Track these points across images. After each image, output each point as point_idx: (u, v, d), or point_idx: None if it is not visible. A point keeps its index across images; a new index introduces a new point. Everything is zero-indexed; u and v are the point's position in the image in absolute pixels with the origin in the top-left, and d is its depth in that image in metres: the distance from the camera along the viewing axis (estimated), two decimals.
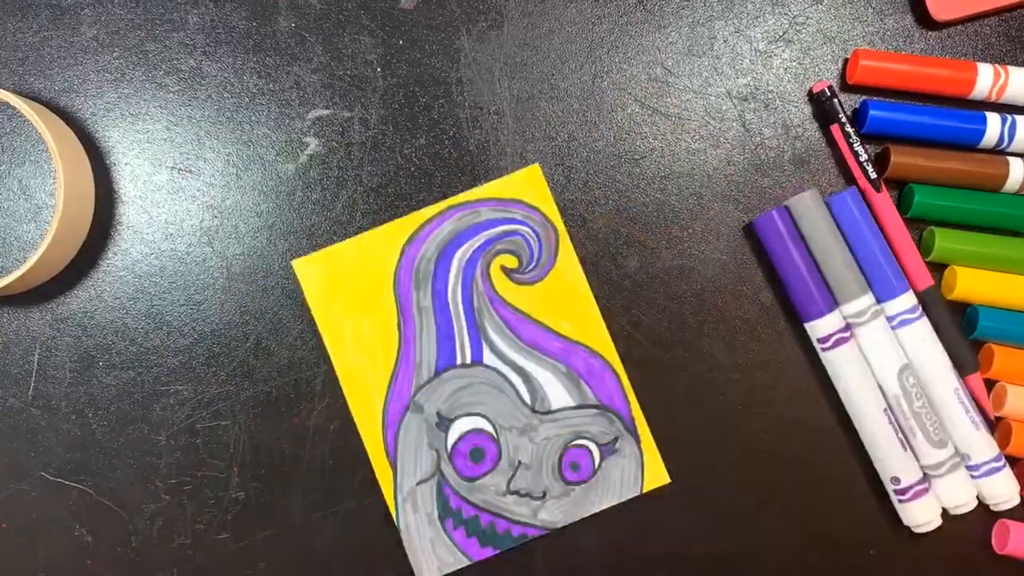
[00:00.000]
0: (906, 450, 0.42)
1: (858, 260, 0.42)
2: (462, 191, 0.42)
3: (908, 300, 0.42)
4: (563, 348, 0.42)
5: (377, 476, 0.41)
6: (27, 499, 0.41)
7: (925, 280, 0.43)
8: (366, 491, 0.42)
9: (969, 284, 0.42)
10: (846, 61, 0.44)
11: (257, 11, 0.42)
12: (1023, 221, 0.43)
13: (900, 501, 0.42)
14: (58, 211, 0.38)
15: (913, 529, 0.42)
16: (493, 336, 0.41)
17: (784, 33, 0.44)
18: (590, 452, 0.42)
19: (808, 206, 0.41)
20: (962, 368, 0.42)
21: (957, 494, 0.42)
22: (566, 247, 0.42)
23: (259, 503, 0.41)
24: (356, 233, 0.42)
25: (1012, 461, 0.43)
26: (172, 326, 0.41)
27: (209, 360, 0.41)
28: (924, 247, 0.43)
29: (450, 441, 0.41)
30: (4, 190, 0.41)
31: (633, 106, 0.43)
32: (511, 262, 0.42)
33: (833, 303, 0.42)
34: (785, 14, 0.44)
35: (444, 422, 0.41)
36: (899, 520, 0.43)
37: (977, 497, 0.42)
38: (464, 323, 0.41)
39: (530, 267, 0.42)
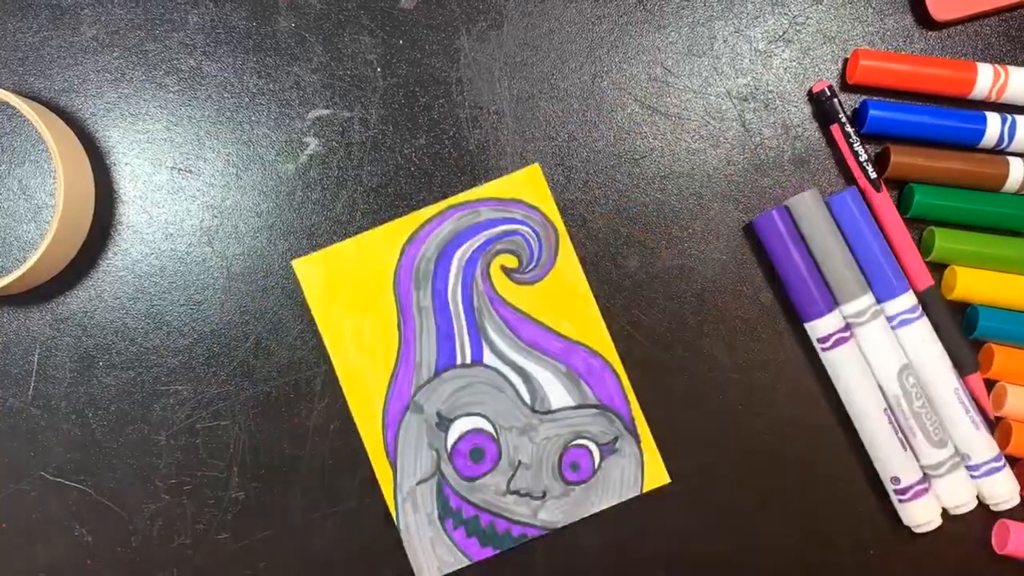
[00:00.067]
0: (906, 450, 0.42)
1: (858, 260, 0.42)
2: (462, 191, 0.42)
3: (908, 300, 0.42)
4: (563, 348, 0.42)
5: (377, 476, 0.41)
6: (27, 499, 0.41)
7: (925, 280, 0.43)
8: (366, 491, 0.42)
9: (969, 284, 0.42)
10: (846, 61, 0.44)
11: (257, 11, 0.42)
12: (1023, 221, 0.43)
13: (900, 501, 0.42)
14: (58, 211, 0.38)
15: (913, 529, 0.42)
16: (493, 336, 0.41)
17: (784, 33, 0.44)
18: (590, 452, 0.42)
19: (808, 206, 0.41)
20: (962, 368, 0.42)
21: (957, 494, 0.42)
22: (566, 247, 0.42)
23: (259, 503, 0.41)
24: (356, 233, 0.42)
25: (1012, 461, 0.43)
26: (172, 326, 0.41)
27: (209, 360, 0.41)
28: (924, 247, 0.43)
29: (450, 441, 0.41)
30: (4, 190, 0.41)
31: (633, 106, 0.43)
32: (511, 262, 0.42)
33: (833, 303, 0.42)
34: (785, 14, 0.44)
35: (444, 422, 0.41)
36: (899, 520, 0.43)
37: (977, 497, 0.42)
38: (464, 323, 0.41)
39: (530, 267, 0.42)
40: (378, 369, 0.41)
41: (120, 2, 0.41)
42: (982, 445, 0.42)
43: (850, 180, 0.44)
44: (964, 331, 0.43)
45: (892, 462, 0.42)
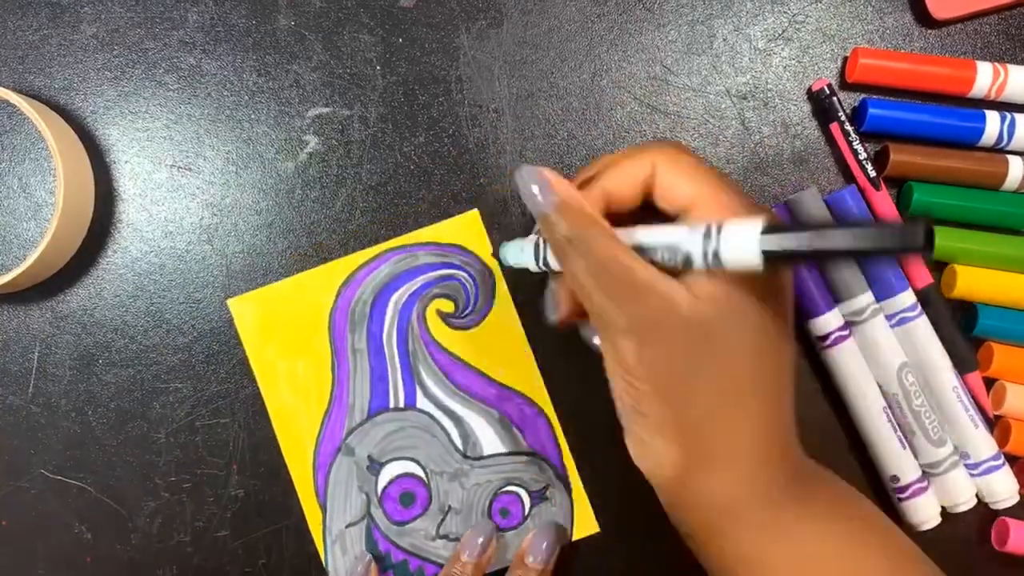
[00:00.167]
0: (905, 448, 0.42)
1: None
2: (461, 189, 0.42)
3: (907, 298, 0.42)
4: (497, 394, 0.42)
5: (307, 517, 0.41)
6: (27, 496, 0.41)
7: (924, 278, 0.43)
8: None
9: (968, 282, 0.42)
10: (845, 59, 0.44)
11: (257, 9, 0.42)
12: (1022, 219, 0.43)
13: (899, 499, 0.42)
14: (58, 209, 0.38)
15: (912, 527, 0.42)
16: (427, 380, 0.41)
17: (783, 31, 0.44)
18: (520, 499, 0.42)
19: (807, 204, 0.41)
20: (961, 366, 0.42)
21: (956, 492, 0.42)
22: (503, 293, 0.42)
23: (258, 501, 0.41)
24: (356, 232, 0.42)
25: (1011, 459, 0.43)
26: (172, 324, 0.41)
27: (209, 358, 0.41)
28: None
29: (381, 484, 0.41)
30: (4, 188, 0.41)
31: (632, 104, 0.43)
32: (447, 306, 0.42)
33: (833, 301, 0.42)
34: (784, 12, 0.44)
35: (375, 465, 0.41)
36: (898, 518, 0.43)
37: (976, 495, 0.42)
38: (398, 366, 0.41)
39: (466, 312, 0.42)
40: (311, 410, 0.41)
41: (120, 0, 0.42)
42: (981, 443, 0.42)
43: (849, 178, 0.44)
44: (963, 329, 0.43)
45: (891, 460, 0.42)
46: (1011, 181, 0.42)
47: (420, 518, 0.41)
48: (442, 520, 0.41)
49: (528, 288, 0.42)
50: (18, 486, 0.41)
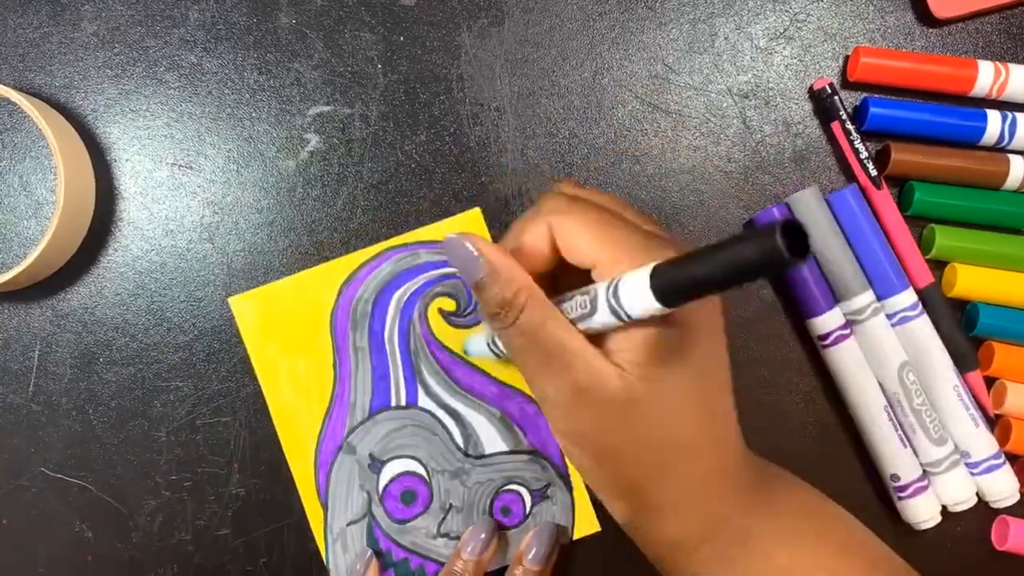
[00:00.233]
0: (906, 447, 0.42)
1: (858, 257, 0.42)
2: (462, 187, 0.42)
3: (908, 297, 0.42)
4: (498, 393, 0.42)
5: (308, 516, 0.41)
6: (27, 495, 0.41)
7: (925, 277, 0.43)
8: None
9: (969, 281, 0.42)
10: (847, 58, 0.44)
11: (258, 7, 0.42)
12: (1023, 219, 0.43)
13: (900, 498, 0.42)
14: (59, 207, 0.37)
15: (913, 526, 0.42)
16: (429, 379, 0.41)
17: (785, 30, 0.44)
18: (521, 497, 0.42)
19: (808, 203, 0.41)
20: (962, 365, 0.43)
21: (957, 491, 0.42)
22: None
23: (259, 499, 0.41)
24: (357, 230, 0.42)
25: (1012, 458, 0.43)
26: (172, 322, 0.41)
27: (209, 356, 0.41)
28: (924, 244, 0.43)
29: (382, 483, 0.41)
30: (5, 186, 0.41)
31: (634, 103, 0.43)
32: (449, 305, 0.41)
33: (833, 300, 0.42)
34: (786, 11, 0.44)
35: (376, 464, 0.41)
36: (899, 517, 0.43)
37: (977, 494, 0.42)
38: (400, 365, 0.41)
39: (468, 310, 0.42)
40: (312, 409, 0.41)
41: None
42: (982, 442, 0.42)
43: (850, 177, 0.44)
44: (964, 328, 0.43)
45: (892, 459, 0.42)
46: (1012, 180, 0.42)
47: (421, 516, 0.41)
48: (443, 519, 0.41)
49: None
50: (18, 484, 0.41)
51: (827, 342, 0.42)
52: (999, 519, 0.44)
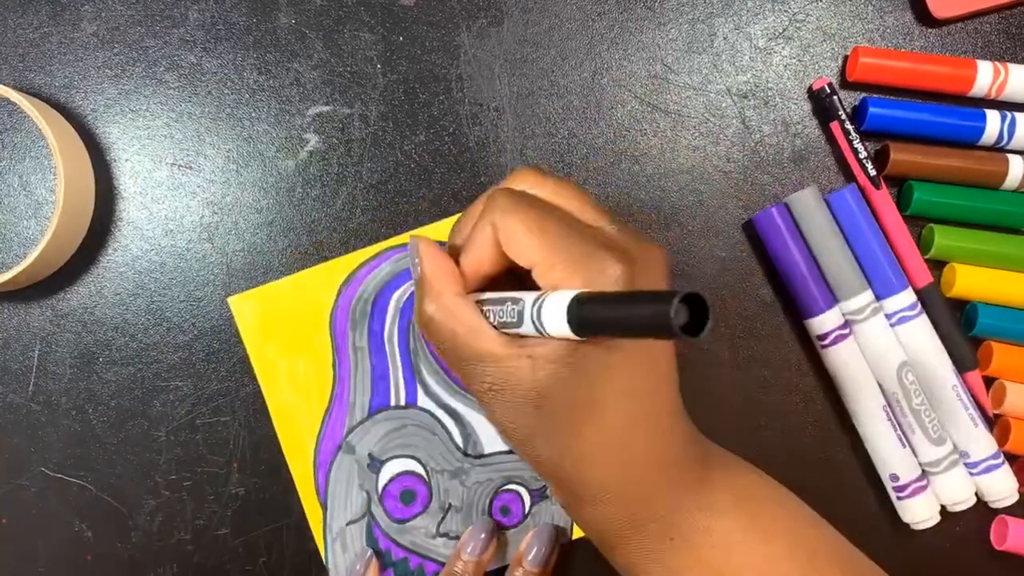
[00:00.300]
0: (905, 447, 0.42)
1: (857, 257, 0.42)
2: (462, 187, 0.42)
3: (907, 297, 0.42)
4: None
5: (307, 515, 0.41)
6: (27, 494, 0.41)
7: (924, 277, 0.43)
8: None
9: (968, 281, 0.42)
10: (846, 58, 0.44)
11: (257, 7, 0.42)
12: (1022, 219, 0.43)
13: (899, 498, 0.42)
14: (58, 207, 0.38)
15: (912, 526, 0.42)
16: (428, 378, 0.41)
17: (784, 30, 0.44)
18: (520, 497, 0.42)
19: (807, 203, 0.41)
20: (961, 365, 0.43)
21: (956, 491, 0.42)
22: None
23: (259, 499, 0.41)
24: (357, 230, 0.42)
25: (1011, 458, 0.43)
26: (172, 322, 0.41)
27: (209, 356, 0.41)
28: (923, 244, 0.43)
29: (381, 482, 0.41)
30: (4, 186, 0.41)
31: (633, 103, 0.43)
32: None
33: (832, 300, 0.42)
34: (785, 11, 0.44)
35: (376, 463, 0.41)
36: (898, 517, 0.43)
37: (976, 494, 0.42)
38: (399, 364, 0.41)
39: None
40: (311, 408, 0.41)
41: None
42: (981, 442, 0.42)
43: (849, 177, 0.44)
44: (963, 328, 0.43)
45: (891, 459, 0.42)
46: (1011, 180, 0.42)
47: (420, 516, 0.41)
48: (442, 518, 0.41)
49: None
50: (18, 484, 0.41)
51: (826, 342, 0.42)
52: (998, 519, 0.44)
